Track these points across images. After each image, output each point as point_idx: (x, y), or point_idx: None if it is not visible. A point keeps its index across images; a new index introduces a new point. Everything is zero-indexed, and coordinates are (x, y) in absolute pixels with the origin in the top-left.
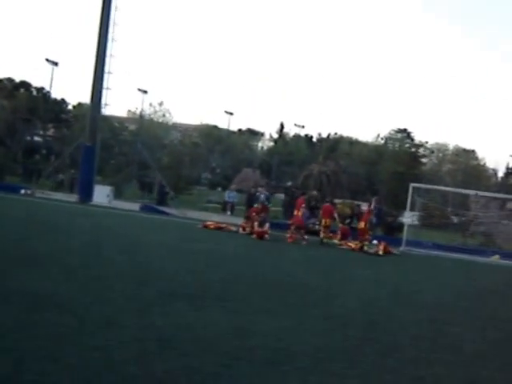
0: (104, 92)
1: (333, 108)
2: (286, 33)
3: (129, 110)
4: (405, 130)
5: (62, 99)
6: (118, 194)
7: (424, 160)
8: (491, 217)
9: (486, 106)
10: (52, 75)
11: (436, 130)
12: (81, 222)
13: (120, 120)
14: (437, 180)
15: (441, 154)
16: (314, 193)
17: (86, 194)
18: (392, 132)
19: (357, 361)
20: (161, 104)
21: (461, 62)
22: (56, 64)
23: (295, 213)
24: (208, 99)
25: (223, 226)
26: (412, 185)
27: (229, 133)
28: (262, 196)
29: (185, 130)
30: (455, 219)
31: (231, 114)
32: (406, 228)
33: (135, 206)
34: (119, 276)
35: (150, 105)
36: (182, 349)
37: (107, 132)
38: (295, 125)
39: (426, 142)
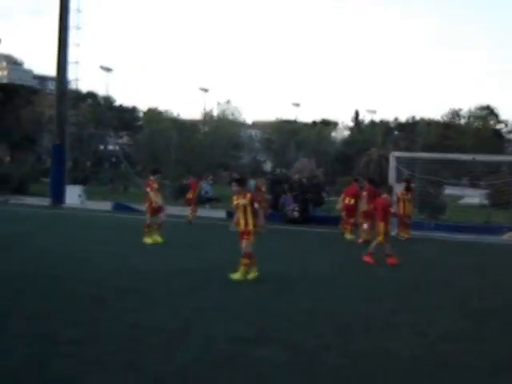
0: (74, 83)
1: (406, 90)
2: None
3: (206, 112)
4: (488, 106)
5: (133, 107)
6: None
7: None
8: None
9: None
10: (107, 81)
11: None
12: None
13: (194, 122)
14: None
15: None
16: (296, 176)
17: (58, 196)
18: (473, 109)
19: None
20: (228, 102)
21: None
22: (110, 70)
23: (347, 201)
24: (278, 93)
25: None
26: (393, 154)
27: (301, 125)
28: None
29: (263, 126)
30: None
31: (298, 105)
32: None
33: (108, 206)
34: None
35: (218, 104)
36: None
37: (178, 135)
38: (367, 111)
39: None
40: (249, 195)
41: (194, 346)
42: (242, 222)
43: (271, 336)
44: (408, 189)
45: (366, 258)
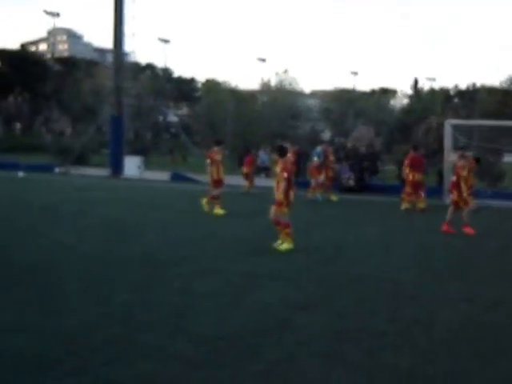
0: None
1: (466, 57)
2: None
3: (263, 83)
4: None
5: (192, 78)
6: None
7: None
8: None
9: None
10: (165, 53)
11: None
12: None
13: (252, 93)
14: None
15: None
16: (351, 145)
17: (117, 167)
18: None
19: None
20: (285, 72)
21: None
22: (168, 42)
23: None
24: (336, 62)
25: None
26: (449, 122)
27: (360, 94)
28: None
29: (321, 96)
30: None
31: (356, 74)
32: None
33: (166, 176)
34: None
35: (276, 74)
36: None
37: (236, 106)
38: (426, 78)
39: None
40: (281, 165)
41: (244, 312)
42: (276, 190)
43: (321, 302)
44: (477, 160)
45: (467, 230)
